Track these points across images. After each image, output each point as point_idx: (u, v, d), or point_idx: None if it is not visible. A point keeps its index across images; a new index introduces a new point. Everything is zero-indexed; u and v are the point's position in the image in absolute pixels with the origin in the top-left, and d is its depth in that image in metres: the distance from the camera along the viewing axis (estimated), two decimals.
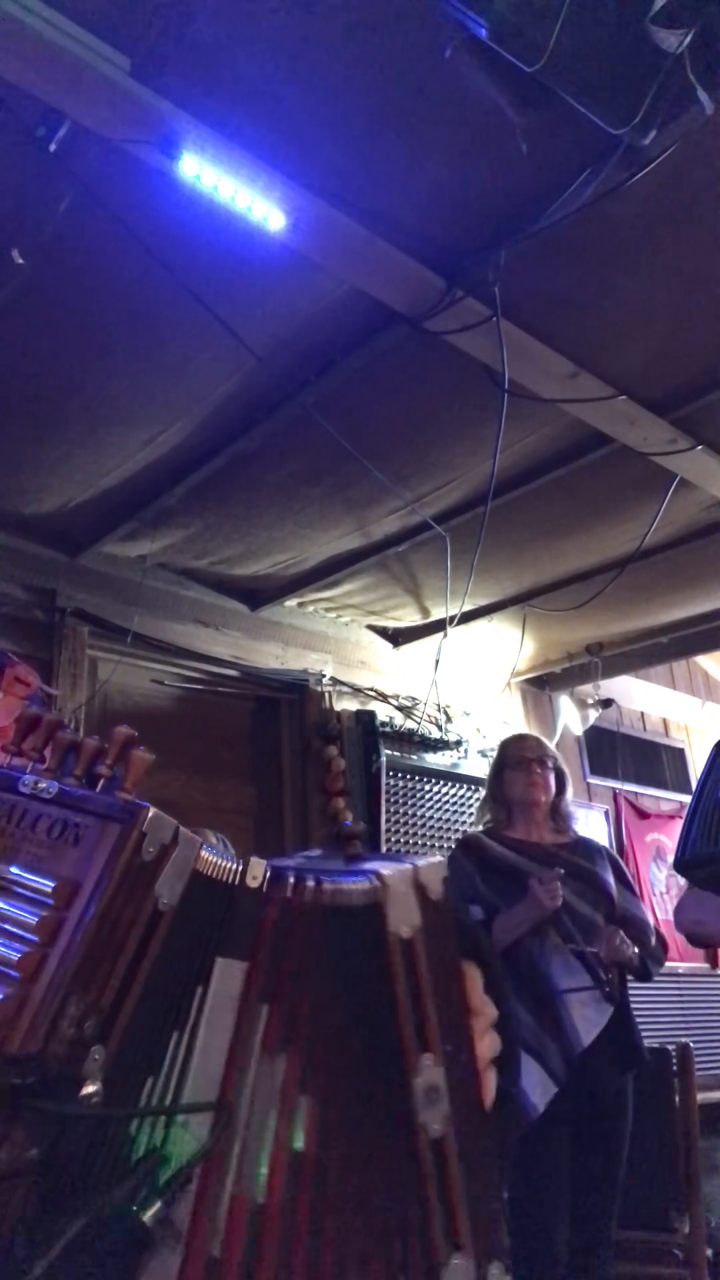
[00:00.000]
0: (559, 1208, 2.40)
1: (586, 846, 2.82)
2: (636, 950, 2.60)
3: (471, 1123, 0.72)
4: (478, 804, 3.21)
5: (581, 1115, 2.47)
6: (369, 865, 0.73)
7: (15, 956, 0.55)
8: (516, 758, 2.86)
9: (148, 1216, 0.54)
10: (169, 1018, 0.60)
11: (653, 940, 2.69)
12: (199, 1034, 0.60)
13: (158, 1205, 0.55)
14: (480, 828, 2.92)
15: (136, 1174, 0.55)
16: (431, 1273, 0.67)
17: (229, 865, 0.65)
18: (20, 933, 0.56)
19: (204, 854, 0.62)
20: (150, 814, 0.58)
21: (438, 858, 0.75)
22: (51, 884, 0.57)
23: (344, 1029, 0.67)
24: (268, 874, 0.67)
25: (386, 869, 0.72)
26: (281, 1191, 0.61)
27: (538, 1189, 2.41)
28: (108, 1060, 0.54)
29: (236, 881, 0.65)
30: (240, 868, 0.66)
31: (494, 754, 3.00)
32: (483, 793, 3.02)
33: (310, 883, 0.67)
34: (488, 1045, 0.80)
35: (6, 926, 0.57)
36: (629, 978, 2.64)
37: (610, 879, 2.70)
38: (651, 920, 2.77)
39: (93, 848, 0.58)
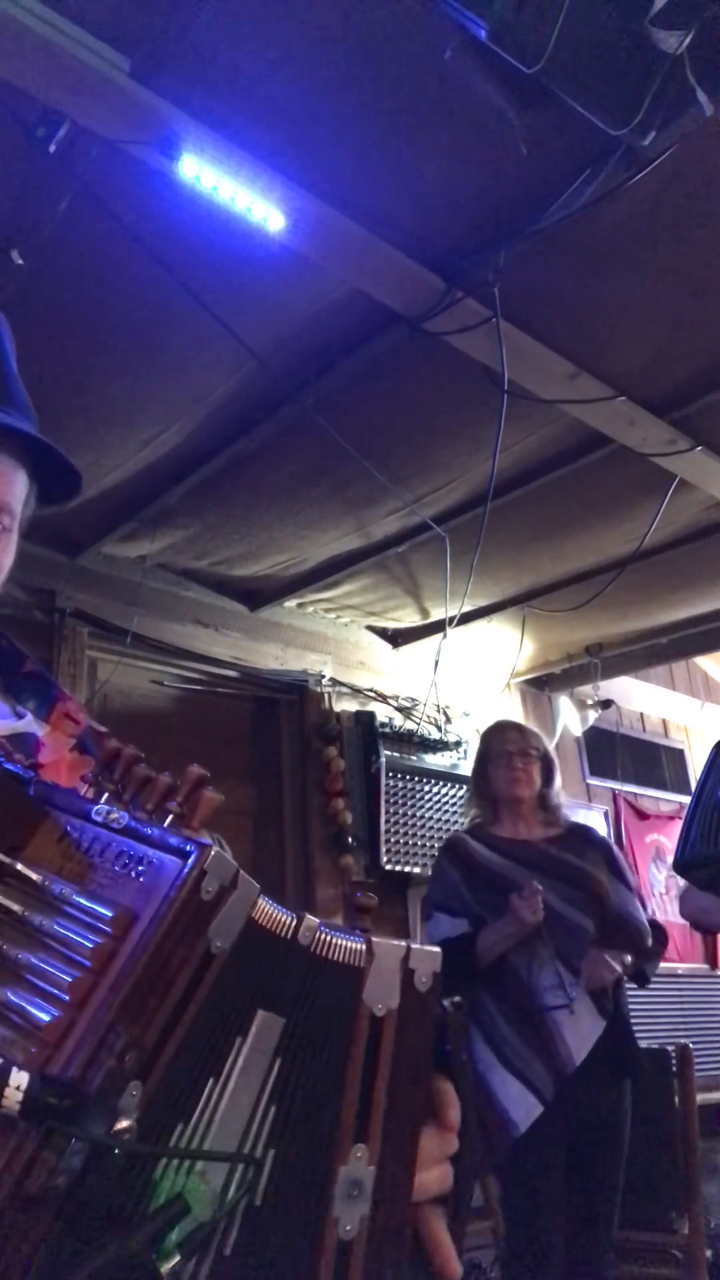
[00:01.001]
0: (554, 1212, 2.38)
1: (580, 837, 2.71)
2: (628, 959, 2.53)
3: (390, 1249, 0.64)
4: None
5: (579, 1124, 2.43)
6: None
7: (67, 980, 0.56)
8: (498, 751, 2.73)
9: (166, 1269, 0.52)
10: (207, 1064, 0.59)
11: (648, 941, 2.60)
12: (229, 1086, 0.59)
13: (177, 1258, 0.53)
14: (466, 824, 2.84)
15: (159, 1220, 0.53)
16: None
17: (284, 918, 0.64)
18: (76, 957, 0.56)
19: (262, 902, 0.62)
20: (213, 853, 0.58)
21: (435, 948, 0.70)
22: (110, 912, 0.57)
23: (306, 1091, 0.64)
24: (320, 934, 0.65)
25: (378, 938, 0.69)
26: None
27: (532, 1193, 2.39)
28: (144, 1097, 0.54)
29: (290, 936, 0.64)
30: (295, 922, 0.64)
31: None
32: None
33: (327, 934, 0.66)
34: (435, 1178, 0.69)
35: (63, 950, 0.57)
36: (625, 981, 2.57)
37: (603, 875, 2.59)
38: (646, 917, 2.66)
39: (154, 881, 0.58)
